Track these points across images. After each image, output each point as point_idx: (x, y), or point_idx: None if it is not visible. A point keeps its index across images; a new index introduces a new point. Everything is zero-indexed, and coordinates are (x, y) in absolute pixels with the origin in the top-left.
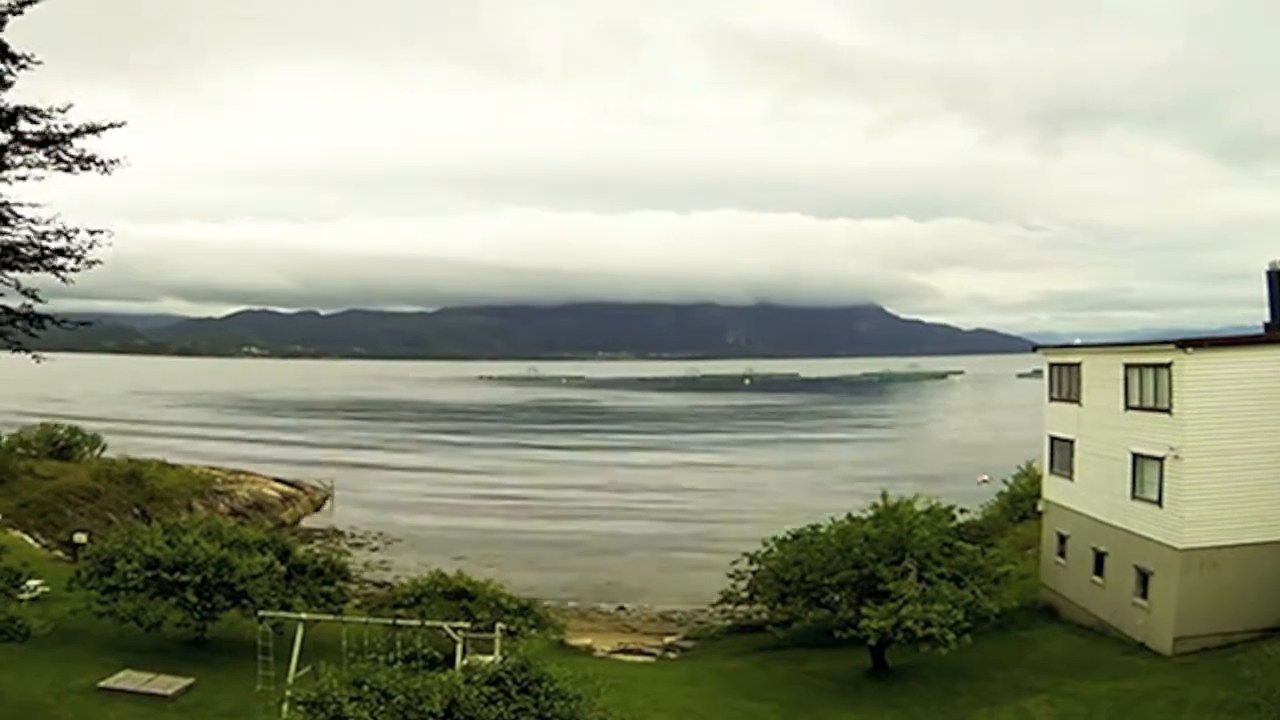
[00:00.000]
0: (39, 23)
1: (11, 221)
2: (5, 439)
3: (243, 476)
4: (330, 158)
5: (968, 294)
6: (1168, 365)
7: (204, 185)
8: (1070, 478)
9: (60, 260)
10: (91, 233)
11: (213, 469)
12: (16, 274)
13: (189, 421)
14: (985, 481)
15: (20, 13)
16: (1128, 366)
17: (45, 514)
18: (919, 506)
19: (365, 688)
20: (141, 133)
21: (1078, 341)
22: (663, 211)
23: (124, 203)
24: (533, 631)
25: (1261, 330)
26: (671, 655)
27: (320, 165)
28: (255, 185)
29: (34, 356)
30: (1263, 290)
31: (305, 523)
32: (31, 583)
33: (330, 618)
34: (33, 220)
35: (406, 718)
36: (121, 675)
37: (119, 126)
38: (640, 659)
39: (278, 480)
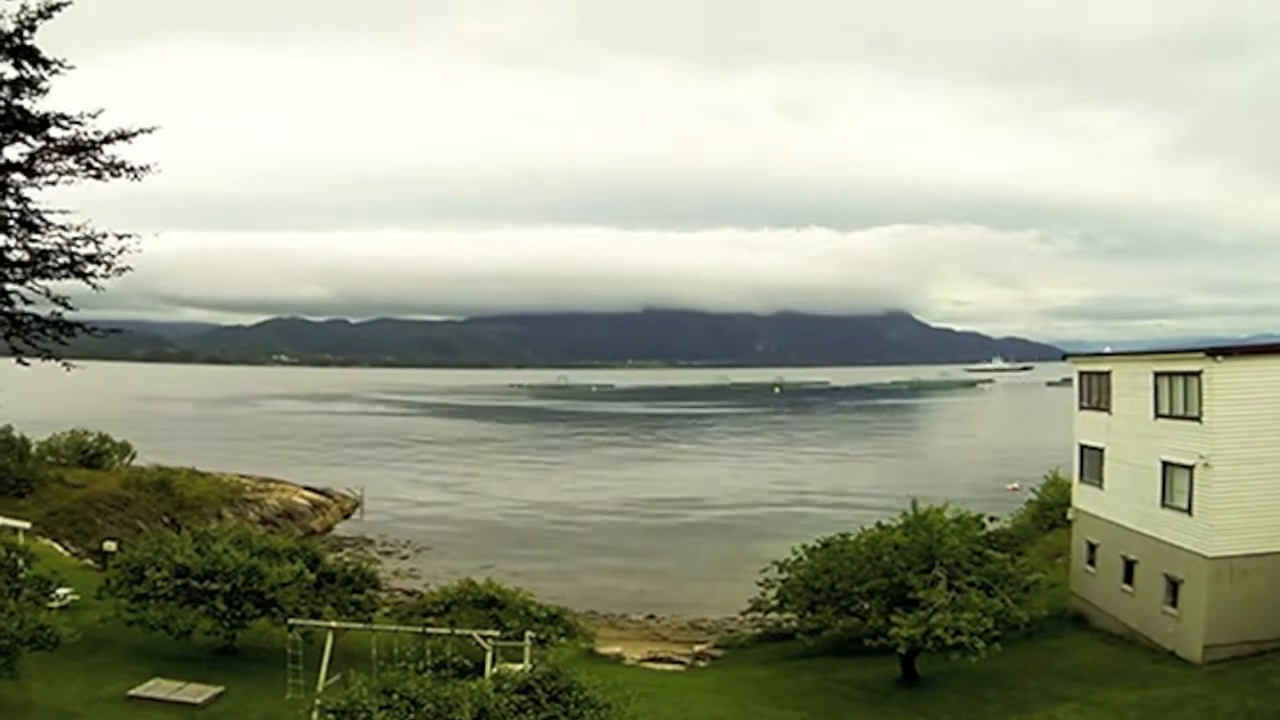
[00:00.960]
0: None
1: (42, 229)
2: (35, 447)
3: (272, 485)
4: (362, 167)
5: (997, 302)
6: (1198, 373)
7: (233, 192)
8: (1100, 486)
9: (90, 267)
10: (120, 237)
11: (242, 477)
12: (47, 282)
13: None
14: (1015, 489)
15: (49, 17)
16: (1157, 375)
17: (75, 522)
18: (948, 515)
19: (395, 696)
20: (173, 139)
21: (1107, 350)
22: (696, 225)
23: (153, 210)
24: (562, 640)
25: None
26: (701, 664)
27: (351, 174)
28: (286, 193)
29: (64, 364)
30: None
31: (335, 531)
32: (61, 591)
33: (360, 626)
34: (63, 227)
35: None
36: (151, 683)
37: (149, 132)
38: (670, 667)
39: (307, 488)
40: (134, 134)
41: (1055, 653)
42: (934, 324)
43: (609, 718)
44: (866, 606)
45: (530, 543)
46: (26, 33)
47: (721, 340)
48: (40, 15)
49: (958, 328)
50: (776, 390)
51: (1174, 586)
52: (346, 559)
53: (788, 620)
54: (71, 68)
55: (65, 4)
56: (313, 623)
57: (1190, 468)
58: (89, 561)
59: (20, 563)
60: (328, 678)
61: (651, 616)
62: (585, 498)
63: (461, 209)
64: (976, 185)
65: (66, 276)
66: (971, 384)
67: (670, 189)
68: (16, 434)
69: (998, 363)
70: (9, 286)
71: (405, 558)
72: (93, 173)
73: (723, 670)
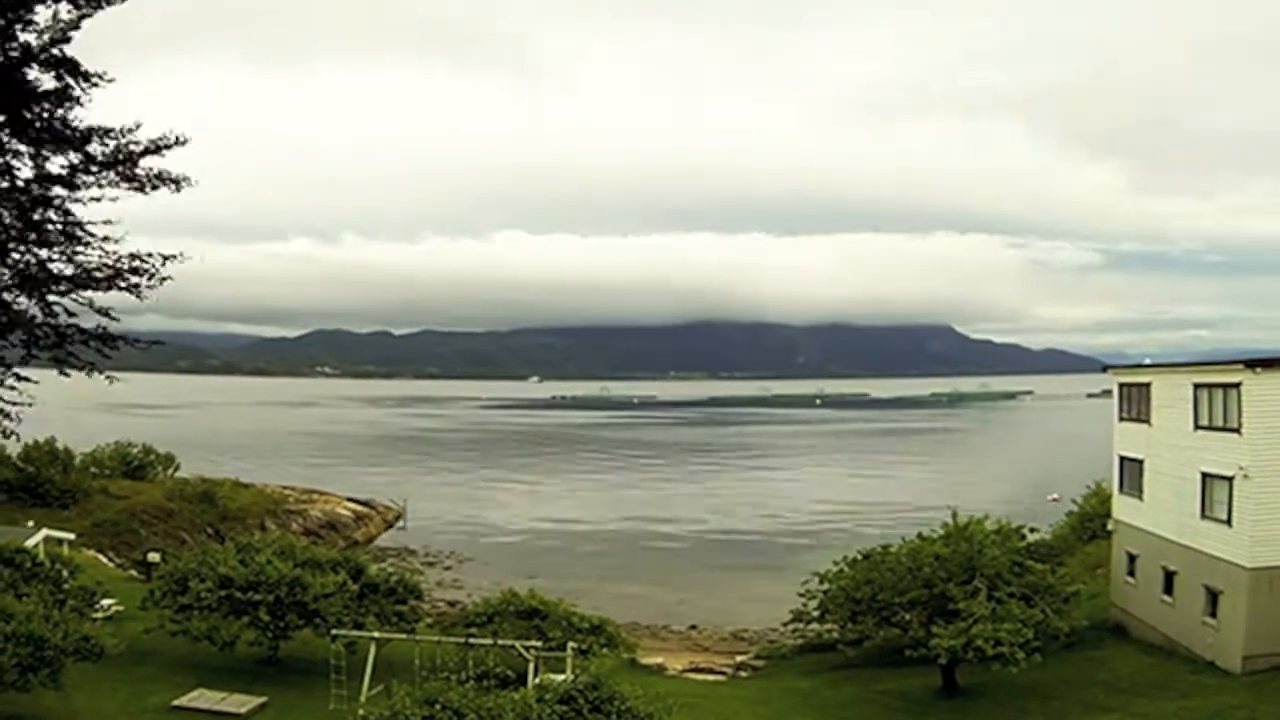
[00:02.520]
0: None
1: (85, 241)
2: (79, 458)
3: (315, 496)
4: (404, 179)
5: (1037, 314)
6: (1236, 385)
7: (276, 203)
8: (1140, 497)
9: (133, 279)
10: (165, 258)
11: (285, 489)
12: (90, 294)
13: None
14: (1055, 500)
15: (78, 26)
16: (1197, 386)
17: (119, 533)
18: (989, 526)
19: (438, 706)
20: (220, 151)
21: (1148, 361)
22: (738, 234)
23: (197, 221)
24: (604, 650)
25: None
26: (743, 674)
27: (393, 186)
28: (328, 204)
29: (108, 378)
30: None
31: (378, 541)
32: (105, 602)
33: (403, 637)
34: (106, 239)
35: None
36: (195, 694)
37: (183, 143)
38: (711, 678)
39: (350, 499)
40: (169, 146)
41: (1095, 663)
42: (974, 336)
43: None
44: (907, 617)
45: (573, 554)
46: (62, 43)
47: (763, 352)
48: (73, 25)
49: (998, 339)
50: (817, 401)
51: (1213, 597)
52: (389, 570)
53: (829, 631)
54: (111, 80)
55: (94, 11)
56: (356, 633)
57: (1230, 479)
58: (133, 572)
59: (65, 574)
60: (371, 688)
61: (693, 627)
62: (624, 511)
63: (511, 220)
64: (1020, 200)
65: (109, 288)
66: (1011, 395)
67: (719, 197)
68: (60, 445)
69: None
70: (52, 299)
71: (448, 568)
72: (134, 185)
73: (764, 681)
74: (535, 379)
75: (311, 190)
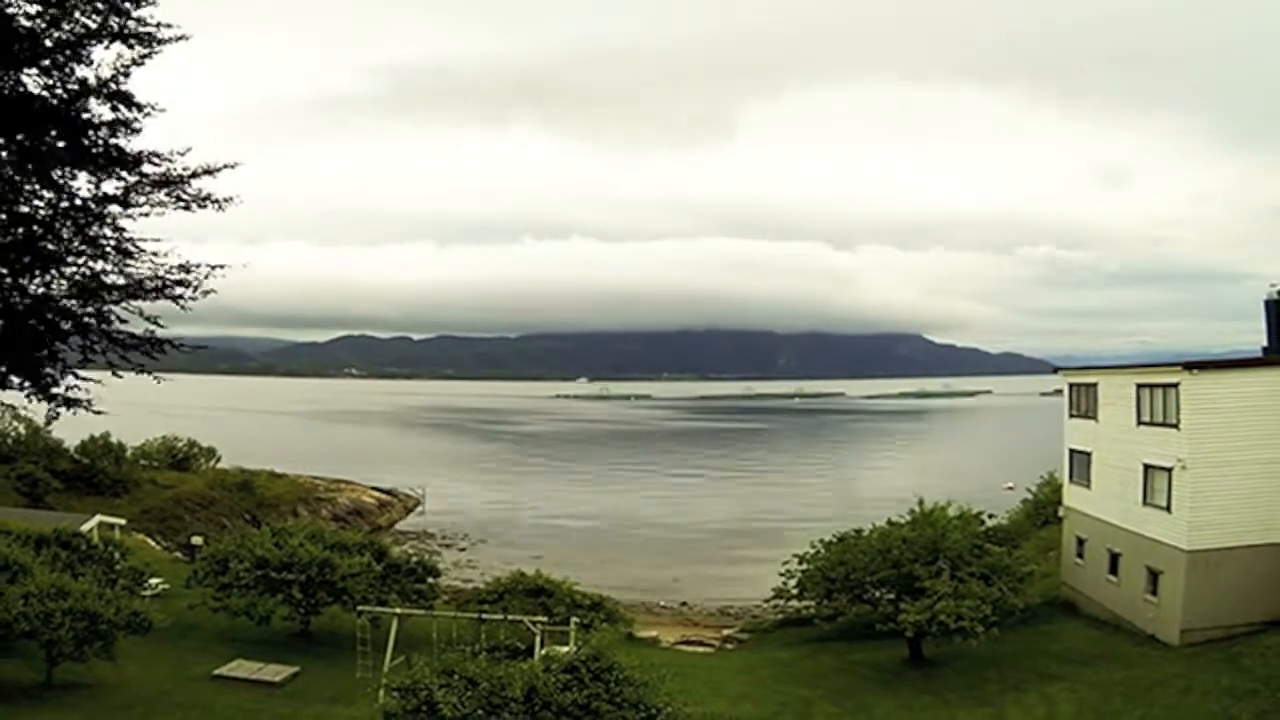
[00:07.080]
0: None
1: (136, 255)
2: (130, 451)
3: (343, 485)
4: (424, 194)
5: (994, 319)
6: (1175, 385)
7: (303, 212)
8: (1088, 486)
9: (179, 290)
10: (213, 267)
11: (315, 479)
12: (140, 303)
13: None
14: (1011, 489)
15: (142, 64)
16: (1139, 386)
17: (165, 519)
18: (951, 512)
19: (454, 676)
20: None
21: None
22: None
23: (232, 229)
24: (604, 624)
25: (1260, 354)
26: (729, 646)
27: (414, 199)
28: (354, 215)
29: (155, 378)
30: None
31: (400, 526)
32: (153, 581)
33: (422, 612)
34: (155, 254)
35: (491, 703)
36: (234, 664)
37: (233, 168)
38: (701, 649)
39: (374, 488)
40: (219, 169)
41: (1048, 637)
42: (938, 340)
43: (646, 695)
44: (878, 595)
45: (575, 537)
46: (122, 78)
47: (748, 356)
48: (135, 63)
49: (960, 343)
50: (795, 400)
51: (1154, 577)
52: (410, 551)
53: (807, 607)
54: (163, 110)
55: (157, 53)
56: (379, 609)
57: (1169, 470)
58: (178, 554)
59: (116, 555)
60: (393, 659)
61: (684, 604)
62: (623, 498)
63: (520, 232)
64: (982, 210)
65: (157, 298)
66: (971, 394)
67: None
68: (114, 440)
69: None
70: (105, 308)
71: (463, 550)
72: (182, 204)
73: (749, 652)
74: (583, 379)
75: (340, 202)
